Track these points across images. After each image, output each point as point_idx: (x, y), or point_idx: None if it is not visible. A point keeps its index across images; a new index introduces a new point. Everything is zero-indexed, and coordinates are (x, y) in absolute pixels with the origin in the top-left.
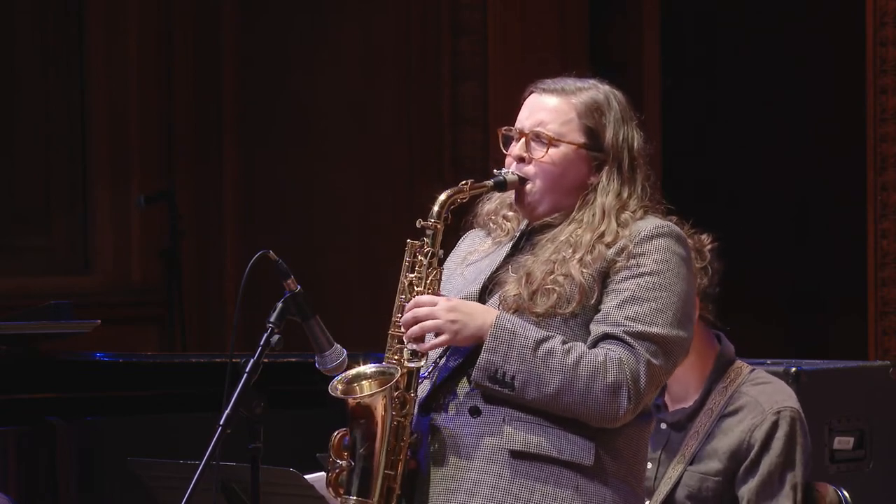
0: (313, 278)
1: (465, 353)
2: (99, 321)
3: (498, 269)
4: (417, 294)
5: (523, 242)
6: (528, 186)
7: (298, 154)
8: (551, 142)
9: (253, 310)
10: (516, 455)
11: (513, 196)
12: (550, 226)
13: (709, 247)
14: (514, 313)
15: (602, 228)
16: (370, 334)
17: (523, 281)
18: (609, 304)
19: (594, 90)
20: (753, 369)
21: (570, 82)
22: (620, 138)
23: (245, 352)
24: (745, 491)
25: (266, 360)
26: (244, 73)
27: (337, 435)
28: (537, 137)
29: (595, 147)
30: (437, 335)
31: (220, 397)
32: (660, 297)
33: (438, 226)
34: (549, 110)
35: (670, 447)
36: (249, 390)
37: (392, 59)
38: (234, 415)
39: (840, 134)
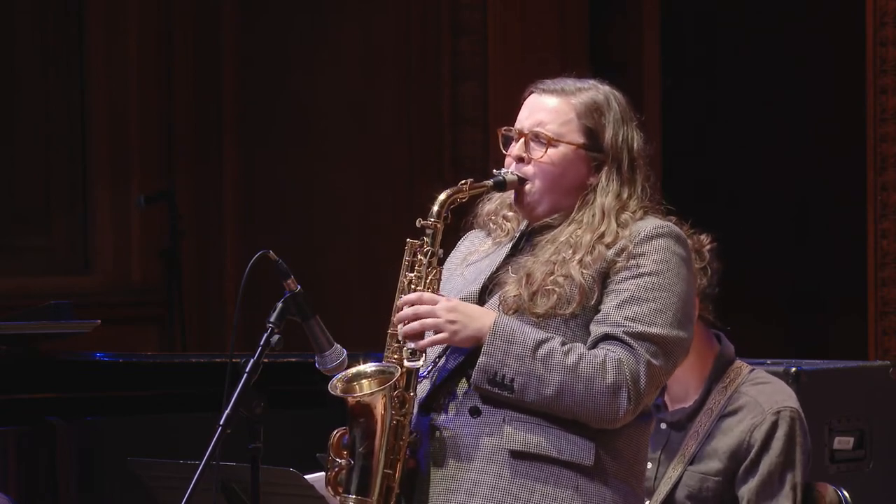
0: (313, 278)
1: (464, 353)
2: (99, 321)
3: (498, 269)
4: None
5: (523, 243)
6: (528, 186)
7: (298, 154)
8: (551, 142)
9: (253, 310)
10: (516, 455)
11: (512, 196)
12: (550, 226)
13: (708, 247)
14: (514, 314)
15: (602, 229)
16: (370, 334)
17: (523, 282)
18: (609, 304)
19: (594, 91)
20: (753, 369)
21: (569, 83)
22: (620, 139)
23: (245, 352)
24: (746, 491)
25: (266, 360)
26: (244, 73)
27: (336, 433)
28: (537, 138)
29: (595, 147)
30: (435, 333)
31: (220, 397)
32: (660, 297)
33: (438, 225)
34: (548, 111)
35: (670, 447)
36: (249, 390)
37: (392, 59)
38: (234, 415)
39: (840, 134)
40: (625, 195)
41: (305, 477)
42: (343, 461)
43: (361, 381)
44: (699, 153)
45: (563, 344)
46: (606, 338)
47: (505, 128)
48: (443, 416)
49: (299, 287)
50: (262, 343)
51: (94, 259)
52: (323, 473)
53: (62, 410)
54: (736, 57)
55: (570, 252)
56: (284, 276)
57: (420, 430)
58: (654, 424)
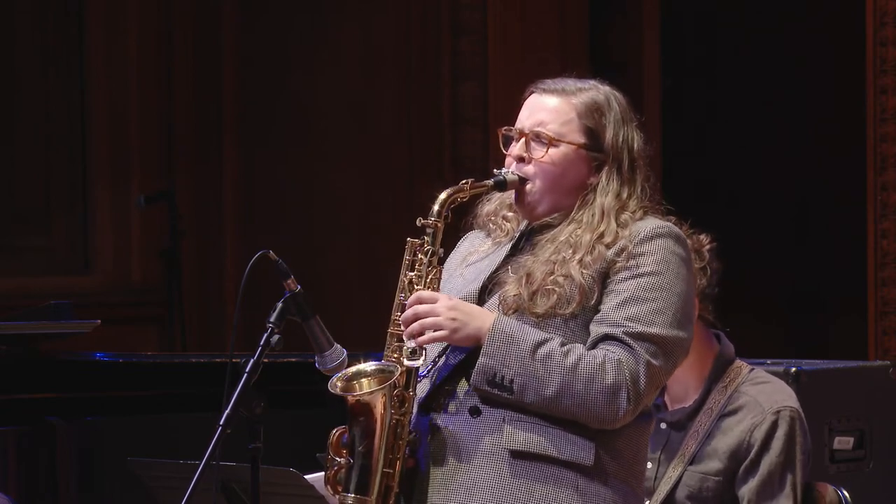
0: (313, 278)
1: (464, 352)
2: (99, 321)
3: (498, 269)
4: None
5: (523, 243)
6: (528, 186)
7: (298, 154)
8: (551, 142)
9: (253, 310)
10: (516, 455)
11: (512, 196)
12: (550, 226)
13: (707, 247)
14: (514, 314)
15: (602, 229)
16: (370, 334)
17: (523, 281)
18: (609, 304)
19: (594, 91)
20: (753, 369)
21: (570, 83)
22: (620, 139)
23: (245, 352)
24: (746, 491)
25: (266, 360)
26: (244, 73)
27: (336, 432)
28: (537, 137)
29: (595, 147)
30: (434, 331)
31: (220, 397)
32: (659, 297)
33: (439, 224)
34: (549, 110)
35: (670, 447)
36: (249, 390)
37: (392, 59)
38: (234, 415)
39: (840, 134)
40: (625, 195)
41: (305, 477)
42: (342, 460)
43: (361, 379)
44: (699, 153)
45: (563, 345)
46: (606, 338)
47: (505, 128)
48: (442, 416)
49: (299, 287)
50: (262, 343)
51: (94, 259)
52: (323, 473)
53: (62, 410)
54: (736, 57)
55: (570, 252)
56: (284, 276)
57: (419, 429)
58: (653, 424)
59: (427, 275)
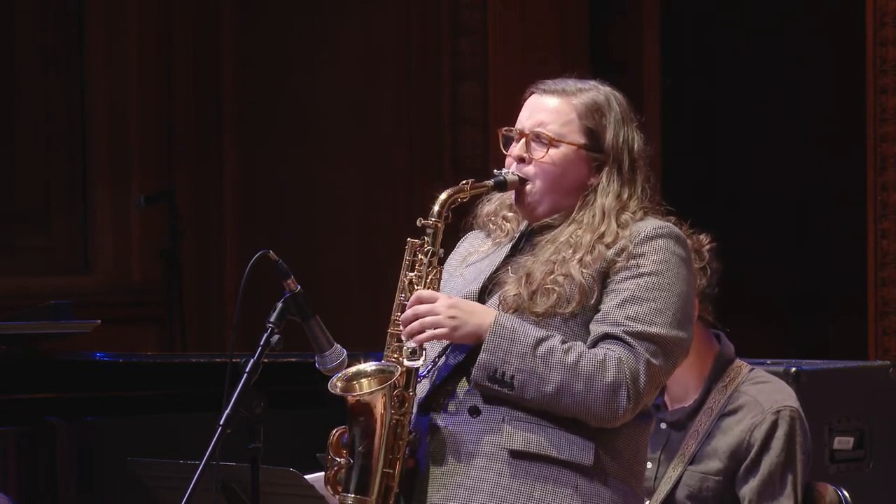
0: (313, 278)
1: (464, 352)
2: (99, 321)
3: (498, 269)
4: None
5: (523, 243)
6: (528, 187)
7: (298, 154)
8: (551, 142)
9: (253, 310)
10: (516, 455)
11: (513, 197)
12: (550, 226)
13: (707, 247)
14: (513, 313)
15: (602, 229)
16: (370, 334)
17: (523, 281)
18: (609, 304)
19: (595, 91)
20: (753, 369)
21: (570, 83)
22: (621, 139)
23: (245, 352)
24: (747, 491)
25: (266, 360)
26: (244, 73)
27: (336, 432)
28: (538, 138)
29: (595, 148)
30: (434, 329)
31: (220, 397)
32: (659, 297)
33: (439, 225)
34: (549, 111)
35: (670, 447)
36: (249, 390)
37: (392, 59)
38: (234, 415)
39: (840, 134)
40: (625, 196)
41: (305, 477)
42: (342, 460)
43: (361, 379)
44: (699, 153)
45: (564, 342)
46: (606, 337)
47: (505, 128)
48: (442, 416)
49: (299, 287)
50: (262, 343)
51: (94, 259)
52: (323, 473)
53: (62, 410)
54: (736, 57)
55: (570, 252)
56: (284, 276)
57: (419, 429)
58: (653, 424)
59: (427, 275)
